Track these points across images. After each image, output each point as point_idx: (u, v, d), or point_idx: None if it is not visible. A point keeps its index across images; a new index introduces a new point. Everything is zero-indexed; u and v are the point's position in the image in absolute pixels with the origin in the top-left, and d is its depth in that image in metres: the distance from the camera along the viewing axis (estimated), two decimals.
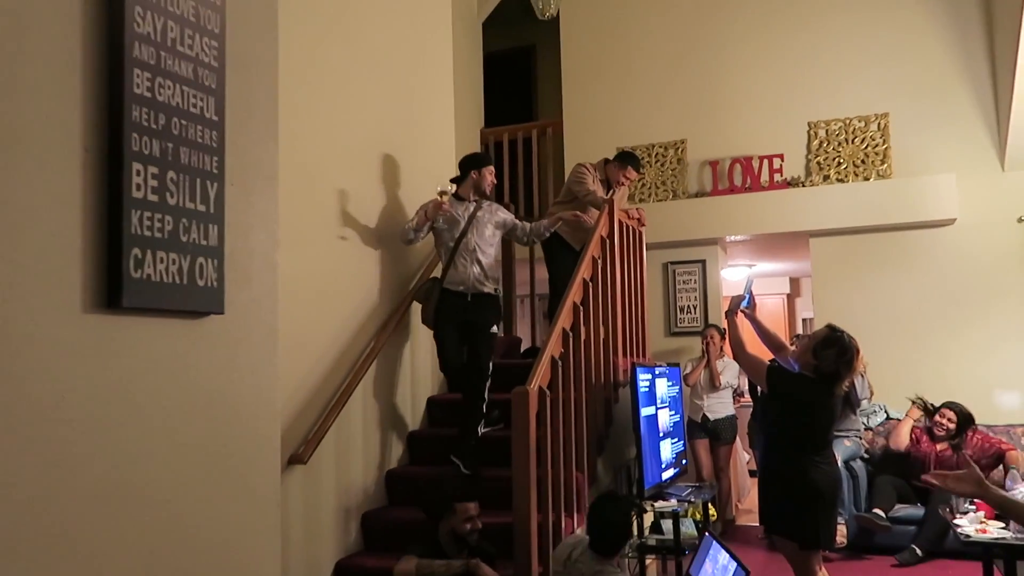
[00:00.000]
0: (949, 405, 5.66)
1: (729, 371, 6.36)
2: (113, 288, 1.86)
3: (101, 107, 1.87)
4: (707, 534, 3.84)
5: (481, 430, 4.55)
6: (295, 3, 3.90)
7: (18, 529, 1.68)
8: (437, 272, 4.86)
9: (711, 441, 6.29)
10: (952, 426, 5.60)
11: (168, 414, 2.05)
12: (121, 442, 1.92)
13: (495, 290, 4.72)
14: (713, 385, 6.25)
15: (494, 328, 4.70)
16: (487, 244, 4.68)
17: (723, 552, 3.62)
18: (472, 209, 4.69)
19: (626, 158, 5.52)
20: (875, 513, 5.47)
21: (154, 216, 1.94)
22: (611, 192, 5.42)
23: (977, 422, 5.78)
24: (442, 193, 4.53)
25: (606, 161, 5.59)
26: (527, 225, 4.94)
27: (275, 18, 2.51)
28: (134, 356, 1.96)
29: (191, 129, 2.06)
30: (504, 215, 4.86)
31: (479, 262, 4.63)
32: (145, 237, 1.91)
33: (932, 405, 5.78)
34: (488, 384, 4.54)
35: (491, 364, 4.60)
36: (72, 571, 1.78)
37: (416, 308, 4.92)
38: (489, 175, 4.80)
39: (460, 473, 4.31)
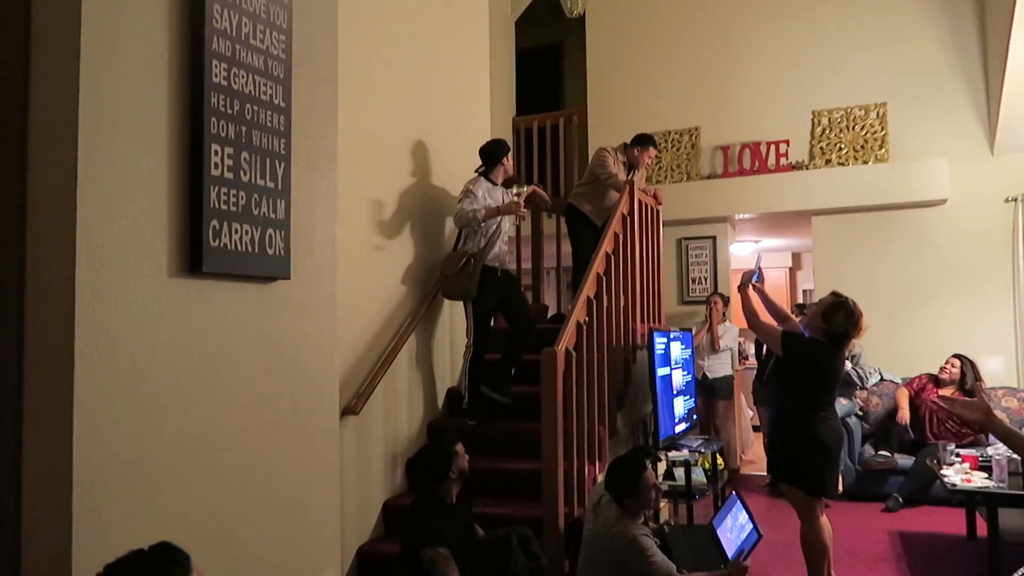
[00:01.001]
0: (956, 355, 5.59)
1: (729, 335, 6.33)
2: (195, 256, 1.89)
3: (184, 95, 1.89)
4: (733, 493, 3.81)
5: (487, 393, 4.53)
6: (350, 4, 3.88)
7: (114, 467, 1.72)
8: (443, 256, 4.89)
9: (708, 396, 6.28)
10: (955, 371, 5.51)
11: (243, 368, 2.09)
12: (202, 393, 1.96)
13: (511, 262, 4.91)
14: (713, 348, 6.23)
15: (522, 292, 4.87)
16: (508, 224, 4.76)
17: (743, 513, 3.61)
18: (501, 194, 4.70)
19: (645, 140, 5.44)
20: (880, 454, 5.46)
21: (230, 192, 1.96)
22: (631, 174, 5.37)
23: None
24: (518, 195, 4.51)
25: (625, 145, 5.52)
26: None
27: (335, 15, 2.51)
28: (213, 317, 1.99)
29: (262, 114, 2.07)
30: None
31: (506, 241, 4.74)
32: (222, 210, 1.94)
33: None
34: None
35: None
36: (159, 504, 1.83)
37: None
38: (511, 160, 4.86)
39: (499, 403, 4.44)
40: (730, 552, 3.41)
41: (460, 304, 4.81)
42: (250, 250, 2.03)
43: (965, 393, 5.38)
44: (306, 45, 2.32)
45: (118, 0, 1.74)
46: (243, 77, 2.00)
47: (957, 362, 5.53)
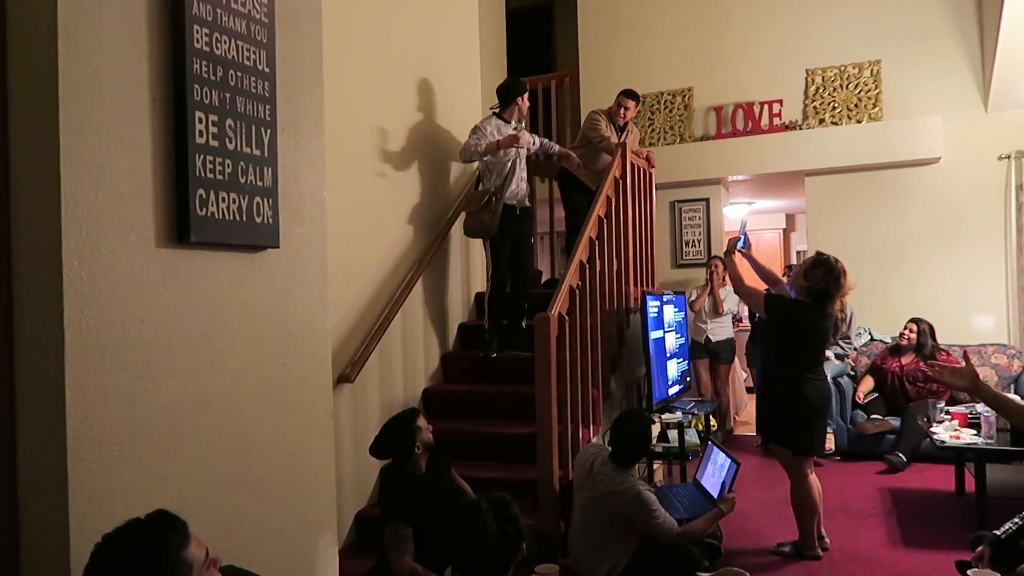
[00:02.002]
0: (913, 319, 5.62)
1: (731, 299, 6.34)
2: (181, 225, 1.88)
3: (165, 61, 1.87)
4: (709, 442, 3.89)
5: (514, 354, 4.68)
6: None
7: (108, 436, 1.73)
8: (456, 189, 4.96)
9: (711, 360, 6.31)
10: (913, 336, 5.55)
11: (233, 336, 2.09)
12: (193, 361, 1.96)
13: (530, 201, 4.98)
14: (716, 311, 6.24)
15: (532, 240, 5.04)
16: (525, 162, 4.86)
17: (721, 454, 3.69)
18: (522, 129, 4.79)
19: (622, 93, 5.42)
20: (873, 417, 5.52)
21: (215, 160, 1.95)
22: (623, 135, 5.34)
23: (954, 342, 5.76)
24: (516, 129, 4.71)
25: None
26: (538, 142, 5.06)
27: None
28: (202, 286, 1.99)
29: (246, 80, 2.05)
30: (529, 135, 4.95)
31: (524, 179, 4.81)
32: (208, 179, 1.92)
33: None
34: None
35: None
36: (155, 473, 1.85)
37: (454, 238, 4.96)
38: (527, 100, 4.90)
39: (523, 356, 4.47)
40: (716, 493, 3.50)
41: (459, 265, 4.89)
42: (238, 219, 2.02)
43: (924, 358, 5.43)
44: (289, 9, 2.29)
45: None
46: (225, 42, 1.98)
47: (914, 327, 5.57)
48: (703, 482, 3.77)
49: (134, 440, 1.80)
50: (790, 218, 10.52)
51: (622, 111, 5.36)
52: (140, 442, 1.81)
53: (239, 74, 2.02)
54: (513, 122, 4.76)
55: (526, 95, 4.85)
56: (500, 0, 7.30)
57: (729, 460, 3.54)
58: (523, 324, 4.78)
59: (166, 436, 1.88)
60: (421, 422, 3.10)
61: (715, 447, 3.79)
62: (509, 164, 4.67)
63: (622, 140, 5.21)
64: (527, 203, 4.86)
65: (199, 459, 1.97)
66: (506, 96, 4.80)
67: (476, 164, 4.92)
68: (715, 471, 3.67)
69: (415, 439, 3.03)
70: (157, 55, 1.85)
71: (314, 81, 2.42)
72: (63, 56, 1.64)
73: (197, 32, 1.89)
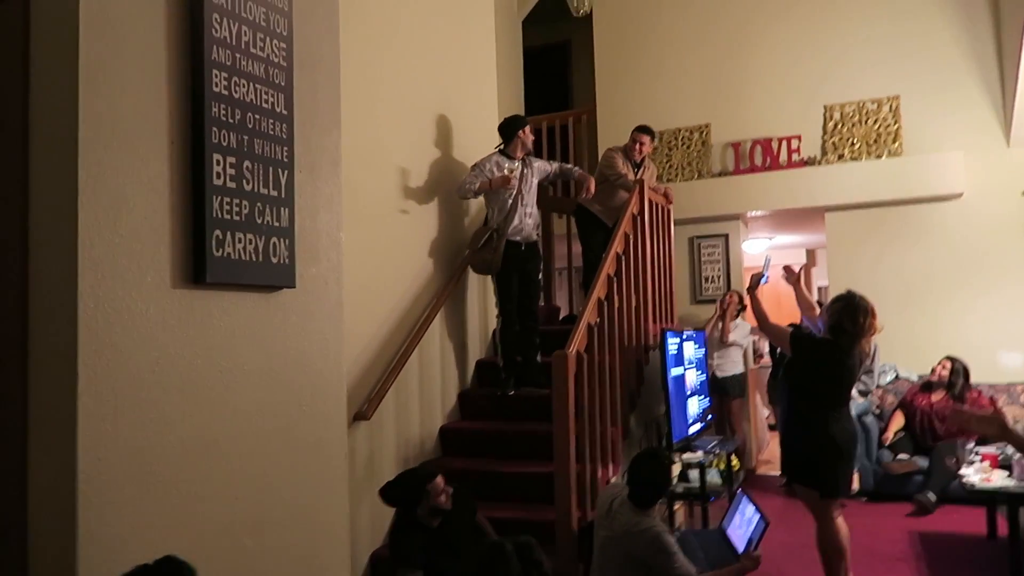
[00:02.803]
0: (949, 356, 5.51)
1: (739, 331, 6.25)
2: (198, 266, 1.89)
3: (185, 104, 1.89)
4: (739, 491, 3.80)
5: (530, 391, 4.64)
6: (355, 6, 3.88)
7: (119, 479, 1.72)
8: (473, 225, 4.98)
9: (720, 396, 6.20)
10: (945, 373, 5.42)
11: (248, 377, 2.08)
12: (207, 402, 1.95)
13: (538, 236, 4.95)
14: (721, 341, 6.16)
15: (540, 276, 4.98)
16: (533, 197, 4.84)
17: (750, 506, 3.60)
18: (521, 167, 4.76)
19: (636, 129, 5.43)
20: (900, 457, 5.40)
21: (232, 201, 1.96)
22: (640, 172, 5.34)
23: (981, 381, 5.63)
24: (511, 170, 4.70)
25: None
26: (556, 166, 5.10)
27: (337, 21, 2.50)
28: (217, 326, 1.99)
29: (264, 122, 2.07)
30: (541, 164, 4.98)
31: (531, 214, 4.79)
32: (225, 220, 1.93)
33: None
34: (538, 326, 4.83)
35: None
36: (165, 517, 1.83)
37: (471, 274, 4.96)
38: (530, 133, 4.89)
39: (541, 393, 4.40)
40: (741, 547, 3.41)
41: (476, 303, 4.89)
42: (254, 259, 2.02)
43: (954, 399, 5.31)
44: (308, 52, 2.32)
45: (116, 12, 1.74)
46: (244, 86, 2.00)
47: (949, 364, 5.45)
48: (729, 532, 3.65)
49: (145, 483, 1.78)
50: (811, 253, 10.43)
51: (637, 147, 5.37)
52: (151, 485, 1.80)
53: (257, 116, 2.04)
54: (516, 162, 4.74)
55: (527, 128, 4.85)
56: (518, 37, 7.40)
57: (759, 516, 3.45)
58: (538, 359, 4.74)
59: (177, 479, 1.86)
60: (436, 485, 3.04)
61: (745, 497, 3.69)
62: (510, 201, 4.67)
63: (639, 176, 5.21)
64: (533, 238, 4.83)
65: (211, 502, 1.95)
66: (507, 132, 4.82)
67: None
68: (743, 523, 3.57)
69: (421, 500, 2.99)
70: (176, 99, 1.88)
71: (332, 122, 2.44)
72: (84, 99, 1.66)
73: (216, 76, 1.91)
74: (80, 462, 1.63)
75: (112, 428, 1.71)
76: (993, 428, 2.31)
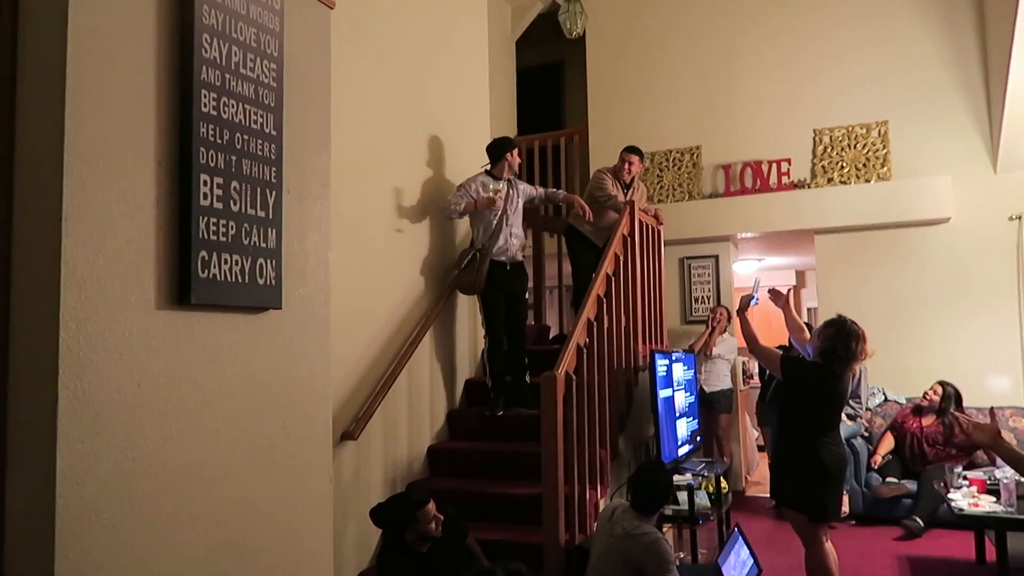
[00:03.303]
0: (940, 381, 5.52)
1: (724, 345, 6.26)
2: (183, 287, 1.86)
3: (172, 124, 1.88)
4: (736, 529, 3.78)
5: (519, 411, 4.63)
6: (347, 25, 3.89)
7: (98, 503, 1.69)
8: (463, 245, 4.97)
9: (708, 410, 6.19)
10: (936, 398, 5.43)
11: (233, 399, 2.05)
12: (190, 424, 1.92)
13: (524, 256, 4.97)
14: (706, 354, 6.16)
15: (527, 295, 4.99)
16: (519, 217, 4.85)
17: (745, 549, 3.59)
18: (506, 188, 4.77)
19: (625, 149, 5.45)
20: (889, 481, 5.39)
21: (219, 222, 1.94)
22: (629, 193, 5.35)
23: (969, 405, 5.64)
24: (496, 192, 4.71)
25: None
26: (542, 191, 5.16)
27: (328, 41, 2.49)
28: (202, 348, 1.96)
29: (253, 143, 2.05)
30: (526, 187, 5.01)
31: (516, 235, 4.79)
32: (211, 241, 1.91)
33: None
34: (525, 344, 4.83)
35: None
36: (145, 542, 1.79)
37: (457, 297, 4.93)
38: (517, 156, 4.91)
39: (530, 413, 4.42)
40: None
41: (465, 322, 4.88)
42: (240, 280, 2.00)
43: (944, 427, 5.31)
44: (298, 73, 2.31)
45: (104, 30, 1.73)
46: (233, 106, 1.99)
47: (940, 388, 5.46)
48: (724, 569, 3.62)
49: (125, 507, 1.75)
50: (800, 275, 10.47)
51: (626, 167, 5.39)
52: (132, 509, 1.76)
53: (246, 137, 2.03)
54: (501, 183, 4.75)
55: (515, 151, 4.87)
56: (511, 57, 7.43)
57: (752, 561, 3.44)
58: (527, 379, 4.72)
59: (159, 503, 1.83)
60: (427, 512, 3.01)
61: (741, 538, 3.66)
62: (495, 221, 4.68)
63: (629, 197, 5.22)
64: (519, 258, 4.84)
65: (192, 527, 1.91)
66: (495, 153, 4.83)
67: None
68: (737, 563, 3.54)
69: (410, 525, 2.97)
70: (164, 118, 1.86)
71: (322, 143, 2.43)
72: (70, 118, 1.64)
73: (205, 97, 1.90)
74: (59, 487, 1.60)
75: (91, 451, 1.68)
76: (987, 436, 2.34)
